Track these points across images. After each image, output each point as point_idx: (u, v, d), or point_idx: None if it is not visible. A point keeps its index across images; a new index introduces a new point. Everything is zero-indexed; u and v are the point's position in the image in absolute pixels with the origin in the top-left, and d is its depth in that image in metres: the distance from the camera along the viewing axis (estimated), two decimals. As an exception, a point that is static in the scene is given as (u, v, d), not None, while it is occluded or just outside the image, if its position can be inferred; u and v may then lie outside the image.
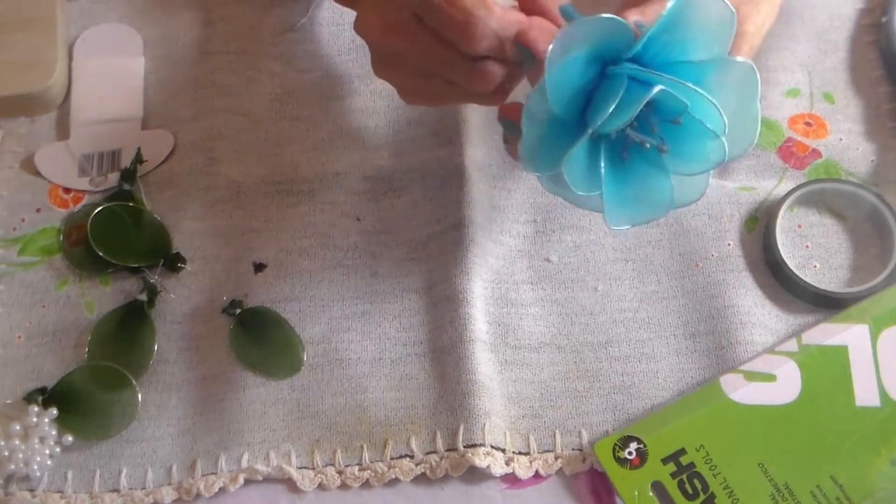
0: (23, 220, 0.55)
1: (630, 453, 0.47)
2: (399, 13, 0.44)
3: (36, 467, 0.48)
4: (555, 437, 0.48)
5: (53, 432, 0.49)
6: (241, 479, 0.47)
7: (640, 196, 0.42)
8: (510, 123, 0.44)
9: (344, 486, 0.48)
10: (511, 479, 0.47)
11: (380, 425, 0.49)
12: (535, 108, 0.40)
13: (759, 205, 0.54)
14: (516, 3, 0.45)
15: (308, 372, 0.50)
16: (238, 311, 0.51)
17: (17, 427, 0.48)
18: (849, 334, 0.49)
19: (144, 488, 0.48)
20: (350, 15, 0.60)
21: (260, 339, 0.51)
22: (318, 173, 0.55)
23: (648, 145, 0.41)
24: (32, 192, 0.56)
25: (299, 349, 0.51)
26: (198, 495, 0.47)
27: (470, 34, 0.42)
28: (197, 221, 0.54)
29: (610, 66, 0.40)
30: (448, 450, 0.48)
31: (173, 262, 0.53)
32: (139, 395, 0.50)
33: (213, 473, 0.48)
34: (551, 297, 0.52)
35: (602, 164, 0.41)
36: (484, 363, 0.49)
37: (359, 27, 0.46)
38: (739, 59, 0.40)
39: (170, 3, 0.61)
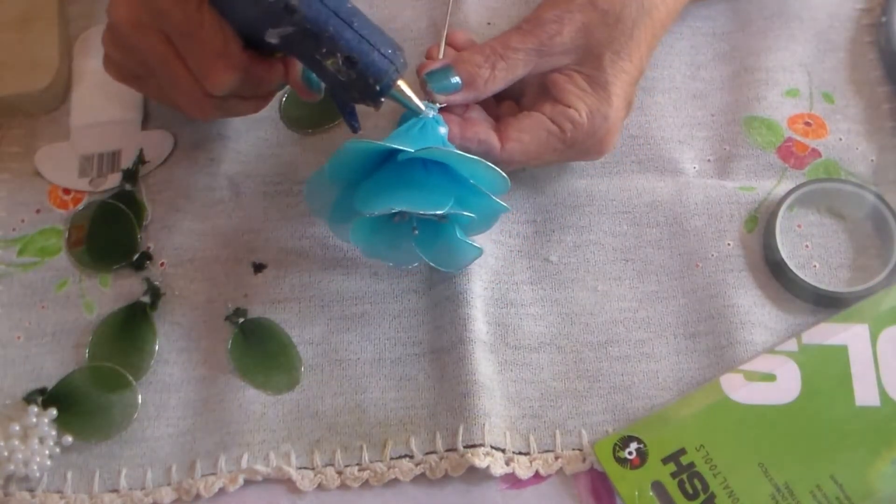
0: (22, 220, 0.55)
1: (630, 453, 0.47)
2: (151, 17, 0.46)
3: (35, 468, 0.48)
4: (555, 437, 0.48)
5: (53, 433, 0.49)
6: (240, 480, 0.47)
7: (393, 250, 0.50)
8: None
9: (343, 486, 0.47)
10: (511, 480, 0.47)
11: (379, 425, 0.49)
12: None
13: (758, 204, 0.54)
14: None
15: (308, 373, 0.50)
16: (241, 320, 0.51)
17: (17, 427, 0.48)
18: (849, 334, 0.49)
19: (144, 489, 0.48)
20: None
21: (259, 352, 0.51)
22: (318, 174, 0.56)
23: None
24: (32, 193, 0.56)
25: (297, 367, 0.50)
26: (197, 496, 0.47)
27: (213, 81, 0.46)
28: (197, 222, 0.54)
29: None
30: (448, 450, 0.47)
31: (140, 262, 0.53)
32: (139, 396, 0.50)
33: (212, 474, 0.48)
34: (551, 297, 0.52)
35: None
36: (484, 363, 0.49)
37: (110, 8, 0.47)
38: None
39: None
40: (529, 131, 0.50)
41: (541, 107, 0.50)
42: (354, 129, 0.50)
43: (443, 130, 0.48)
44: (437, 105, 0.49)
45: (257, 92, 0.50)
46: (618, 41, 0.50)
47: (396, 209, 0.45)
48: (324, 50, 0.45)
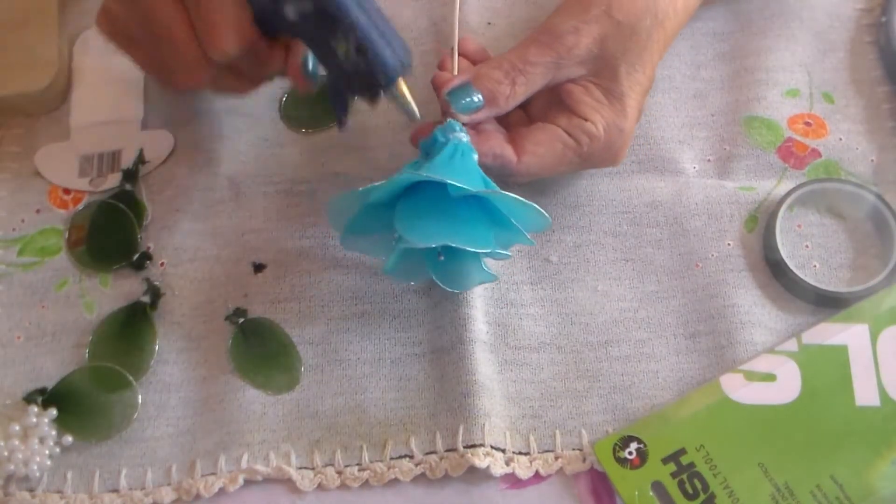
0: (22, 220, 0.55)
1: (630, 453, 0.47)
2: None
3: (35, 467, 0.48)
4: (555, 437, 0.48)
5: (53, 433, 0.49)
6: (240, 480, 0.47)
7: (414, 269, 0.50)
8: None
9: (343, 486, 0.47)
10: (511, 480, 0.47)
11: (379, 425, 0.49)
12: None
13: (758, 205, 0.54)
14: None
15: (308, 373, 0.50)
16: (241, 320, 0.51)
17: (17, 427, 0.48)
18: (849, 334, 0.49)
19: (144, 489, 0.48)
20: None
21: (260, 352, 0.51)
22: (318, 174, 0.55)
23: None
24: (32, 193, 0.56)
25: (297, 367, 0.50)
26: (197, 496, 0.47)
27: (218, 46, 0.45)
28: (197, 222, 0.54)
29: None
30: (448, 450, 0.47)
31: (140, 262, 0.53)
32: (139, 396, 0.50)
33: (212, 474, 0.48)
34: (551, 298, 0.52)
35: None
36: (484, 363, 0.49)
37: None
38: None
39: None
40: (545, 144, 0.49)
41: (556, 118, 0.50)
42: (341, 124, 0.50)
43: (475, 157, 0.47)
44: (463, 125, 0.48)
45: (253, 72, 0.49)
46: (633, 52, 0.49)
47: (443, 244, 0.45)
48: (338, 34, 0.44)
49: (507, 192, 0.45)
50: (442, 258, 0.48)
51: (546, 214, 0.46)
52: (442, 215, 0.46)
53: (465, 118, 0.49)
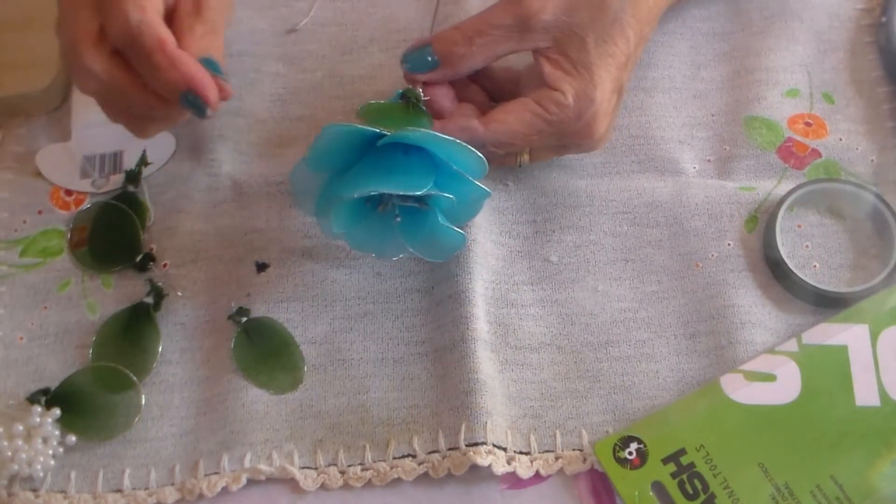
0: (24, 221, 0.55)
1: (630, 453, 0.47)
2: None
3: (39, 468, 0.48)
4: (555, 437, 0.49)
5: (57, 433, 0.49)
6: (243, 479, 0.47)
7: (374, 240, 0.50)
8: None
9: (346, 486, 0.48)
10: (511, 480, 0.48)
11: (382, 425, 0.49)
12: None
13: (759, 205, 0.54)
14: None
15: (311, 372, 0.51)
16: (244, 319, 0.51)
17: (21, 427, 0.48)
18: (849, 334, 0.49)
19: (147, 488, 0.48)
20: (352, 14, 0.61)
21: (263, 351, 0.51)
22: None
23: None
24: (34, 194, 0.56)
25: (301, 366, 0.51)
26: (200, 495, 0.47)
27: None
28: (199, 222, 0.54)
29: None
30: (450, 448, 0.48)
31: (143, 263, 0.53)
32: (142, 396, 0.50)
33: (215, 473, 0.48)
34: (551, 298, 0.52)
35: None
36: (486, 362, 0.49)
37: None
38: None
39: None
40: (514, 113, 0.49)
41: (529, 92, 0.50)
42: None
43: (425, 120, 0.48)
44: (421, 96, 0.49)
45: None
46: (601, 24, 0.49)
47: (375, 191, 0.45)
48: None
49: (432, 132, 0.46)
50: (398, 219, 0.48)
51: (479, 155, 0.46)
52: (379, 171, 0.46)
53: (422, 77, 0.49)
